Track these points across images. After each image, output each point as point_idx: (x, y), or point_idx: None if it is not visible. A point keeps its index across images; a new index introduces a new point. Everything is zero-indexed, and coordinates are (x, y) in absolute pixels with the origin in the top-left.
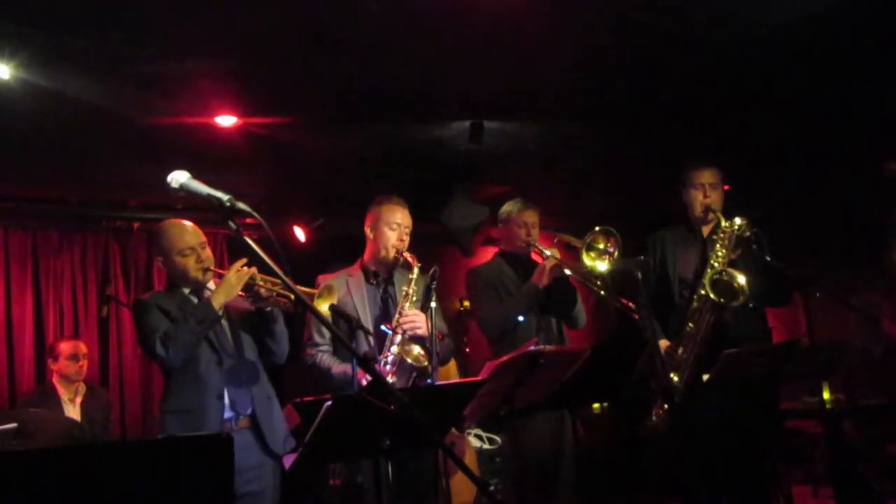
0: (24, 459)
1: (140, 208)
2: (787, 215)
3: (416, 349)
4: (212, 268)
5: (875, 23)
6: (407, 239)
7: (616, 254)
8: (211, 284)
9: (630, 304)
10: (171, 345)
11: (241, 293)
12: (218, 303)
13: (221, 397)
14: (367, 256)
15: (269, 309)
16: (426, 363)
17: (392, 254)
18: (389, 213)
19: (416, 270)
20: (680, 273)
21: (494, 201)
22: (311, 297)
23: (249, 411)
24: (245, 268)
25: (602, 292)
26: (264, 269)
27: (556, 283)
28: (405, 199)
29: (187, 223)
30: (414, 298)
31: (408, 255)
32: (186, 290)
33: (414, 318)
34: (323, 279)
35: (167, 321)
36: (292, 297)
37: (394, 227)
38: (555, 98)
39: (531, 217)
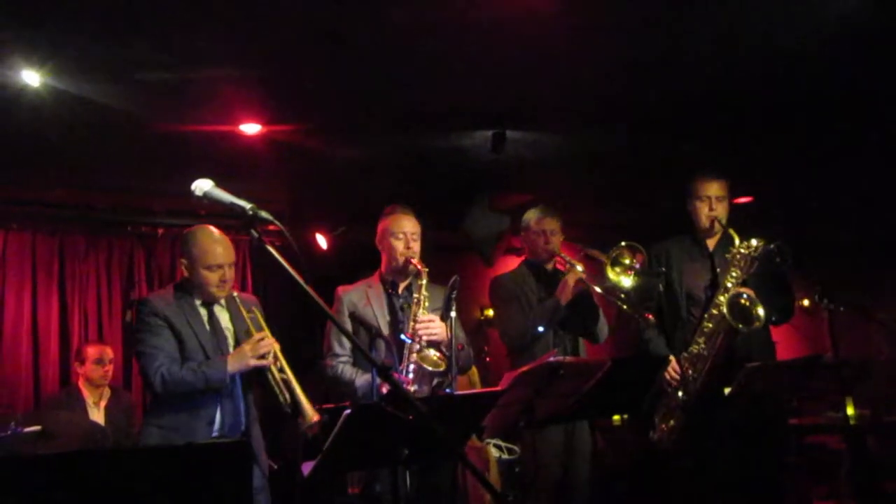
0: (46, 463)
1: (165, 214)
2: (814, 229)
3: (432, 352)
4: (229, 288)
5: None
6: (414, 245)
7: (640, 269)
8: (222, 301)
9: (653, 318)
10: (170, 386)
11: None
12: (232, 369)
13: (212, 423)
14: (382, 267)
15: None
16: (444, 365)
17: (401, 261)
18: (395, 223)
19: (424, 276)
20: (688, 288)
21: (516, 211)
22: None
23: (242, 430)
24: (264, 340)
25: (625, 307)
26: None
27: (579, 299)
28: (426, 207)
29: (221, 237)
30: (426, 304)
31: (416, 262)
32: (198, 302)
33: (429, 324)
34: (343, 290)
35: (169, 345)
36: (289, 399)
37: (399, 237)
38: (577, 108)
39: (550, 225)
